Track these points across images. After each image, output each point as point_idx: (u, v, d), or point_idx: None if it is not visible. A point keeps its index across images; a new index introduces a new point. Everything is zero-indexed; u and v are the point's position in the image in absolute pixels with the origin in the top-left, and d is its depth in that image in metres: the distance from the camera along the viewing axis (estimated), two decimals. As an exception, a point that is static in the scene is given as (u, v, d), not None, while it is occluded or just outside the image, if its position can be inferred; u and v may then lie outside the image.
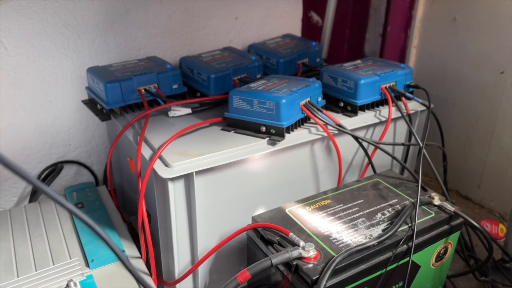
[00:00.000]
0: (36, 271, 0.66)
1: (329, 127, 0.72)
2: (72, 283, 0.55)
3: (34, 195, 0.90)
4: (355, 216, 0.66)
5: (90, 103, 0.84)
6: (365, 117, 0.79)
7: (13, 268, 0.68)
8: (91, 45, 0.92)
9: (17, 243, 0.73)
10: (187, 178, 0.65)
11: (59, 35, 0.87)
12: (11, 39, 0.84)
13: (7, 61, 0.84)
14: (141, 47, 0.97)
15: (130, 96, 0.78)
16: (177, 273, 0.70)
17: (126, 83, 0.77)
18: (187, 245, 0.70)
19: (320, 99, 0.77)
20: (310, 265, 0.56)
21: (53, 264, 0.67)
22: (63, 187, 0.97)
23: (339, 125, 0.73)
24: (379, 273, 0.61)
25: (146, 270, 0.67)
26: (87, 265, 0.67)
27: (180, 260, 0.70)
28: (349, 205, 0.68)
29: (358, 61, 0.87)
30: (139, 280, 0.34)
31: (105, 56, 0.93)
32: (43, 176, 0.92)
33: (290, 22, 1.18)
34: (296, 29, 1.21)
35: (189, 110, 0.80)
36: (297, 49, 0.97)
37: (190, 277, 0.71)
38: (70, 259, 0.68)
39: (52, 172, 0.92)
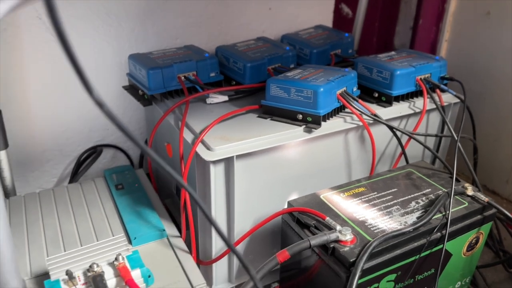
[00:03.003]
0: (81, 246, 0.69)
1: (365, 116, 0.74)
2: (120, 257, 0.58)
3: (75, 177, 0.94)
4: (389, 204, 0.67)
5: (131, 89, 0.87)
6: (400, 108, 0.80)
7: (59, 243, 0.71)
8: (131, 33, 0.95)
9: (62, 220, 0.77)
10: (227, 162, 0.68)
11: (101, 22, 0.91)
12: (56, 25, 0.87)
13: (52, 46, 0.88)
14: (177, 36, 1.00)
15: (170, 82, 0.80)
16: (214, 253, 0.73)
17: (167, 70, 0.79)
18: (224, 227, 0.72)
19: (355, 89, 0.78)
20: (347, 248, 0.58)
21: (97, 241, 0.71)
22: (100, 170, 1.01)
23: (375, 115, 0.74)
24: (412, 259, 0.63)
25: (186, 248, 0.70)
26: (130, 242, 0.70)
27: (217, 240, 0.73)
28: (383, 193, 0.70)
29: (393, 52, 0.88)
30: (216, 229, 0.36)
31: (143, 44, 0.96)
32: (82, 158, 0.96)
33: (322, 14, 1.19)
34: (328, 20, 1.22)
35: (226, 98, 0.82)
36: (330, 40, 0.99)
37: (225, 257, 0.74)
38: (113, 236, 0.71)
39: (91, 154, 0.96)
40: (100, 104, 0.24)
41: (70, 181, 0.95)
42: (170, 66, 0.80)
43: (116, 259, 0.58)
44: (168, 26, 0.98)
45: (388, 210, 0.66)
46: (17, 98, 0.89)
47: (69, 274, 0.56)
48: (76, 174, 0.94)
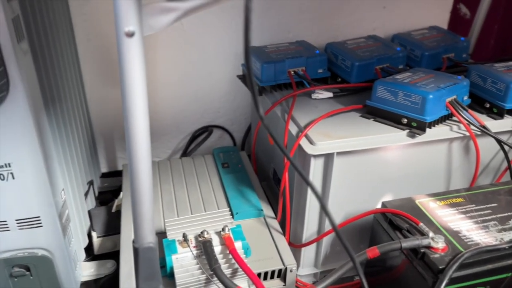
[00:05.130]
0: (191, 214, 0.80)
1: (473, 127, 0.73)
2: (226, 228, 0.67)
3: (187, 151, 1.06)
4: (487, 218, 0.67)
5: (245, 79, 0.95)
6: (511, 122, 0.77)
7: (174, 208, 0.82)
8: (248, 26, 1.02)
9: (176, 188, 0.88)
10: (327, 157, 0.72)
11: (225, 15, 0.99)
12: (186, 15, 0.98)
13: (181, 34, 0.99)
14: (290, 30, 1.05)
15: (280, 76, 0.87)
16: (304, 238, 0.79)
17: (279, 64, 0.86)
18: (317, 216, 0.78)
19: (466, 97, 0.77)
20: (437, 255, 0.60)
21: (205, 211, 0.81)
22: (208, 147, 1.12)
23: (483, 127, 0.73)
24: (504, 276, 0.62)
25: (280, 229, 0.77)
26: (232, 217, 0.79)
27: (309, 228, 0.78)
28: (481, 206, 0.69)
29: (511, 63, 0.84)
30: (328, 216, 0.41)
31: (258, 37, 1.03)
32: (196, 135, 1.09)
33: (438, 14, 1.15)
34: (443, 21, 1.18)
35: (330, 94, 0.86)
36: (444, 42, 0.96)
37: (314, 244, 0.80)
38: (218, 209, 0.81)
39: (203, 133, 1.07)
40: (261, 118, 0.30)
41: (183, 155, 1.07)
42: (282, 61, 0.86)
43: (223, 229, 0.67)
44: (283, 20, 1.04)
45: (485, 224, 0.66)
46: (148, 76, 1.02)
47: (185, 236, 0.66)
48: (187, 150, 1.06)
